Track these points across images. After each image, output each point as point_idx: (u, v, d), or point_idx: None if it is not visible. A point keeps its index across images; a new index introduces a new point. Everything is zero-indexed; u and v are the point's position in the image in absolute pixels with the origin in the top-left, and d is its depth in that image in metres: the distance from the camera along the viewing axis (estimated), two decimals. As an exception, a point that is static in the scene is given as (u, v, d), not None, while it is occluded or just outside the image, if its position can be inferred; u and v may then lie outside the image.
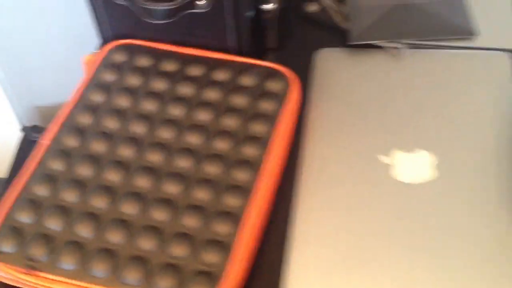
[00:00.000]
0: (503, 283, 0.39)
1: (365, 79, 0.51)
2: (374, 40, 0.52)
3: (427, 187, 0.44)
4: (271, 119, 0.47)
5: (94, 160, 0.45)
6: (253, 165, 0.45)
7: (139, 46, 0.52)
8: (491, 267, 0.39)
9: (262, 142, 0.46)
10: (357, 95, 0.50)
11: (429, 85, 0.50)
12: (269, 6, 0.52)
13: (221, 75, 0.50)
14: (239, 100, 0.48)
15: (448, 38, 0.52)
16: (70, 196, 0.43)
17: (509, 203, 0.42)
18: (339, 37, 0.54)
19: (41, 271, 0.40)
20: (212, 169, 0.45)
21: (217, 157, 0.45)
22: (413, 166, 0.45)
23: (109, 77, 0.51)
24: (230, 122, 0.47)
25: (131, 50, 0.52)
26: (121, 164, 0.45)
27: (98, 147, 0.46)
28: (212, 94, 0.49)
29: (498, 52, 0.51)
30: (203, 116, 0.48)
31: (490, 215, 0.42)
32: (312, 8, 0.58)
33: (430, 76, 0.50)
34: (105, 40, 0.54)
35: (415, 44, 0.52)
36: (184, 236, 0.41)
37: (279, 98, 0.48)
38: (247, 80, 0.50)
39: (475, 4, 0.53)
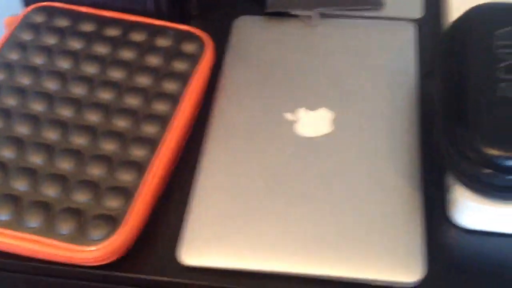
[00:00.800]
0: (392, 229, 0.41)
1: (278, 45, 0.53)
2: (287, 9, 0.55)
3: (325, 140, 0.46)
4: (183, 78, 0.49)
5: (5, 113, 0.46)
6: (163, 120, 0.46)
7: (58, 8, 0.53)
8: (381, 215, 0.42)
9: (173, 98, 0.47)
10: (269, 60, 0.52)
11: (337, 51, 0.52)
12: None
13: (137, 36, 0.51)
14: (153, 60, 0.50)
15: (358, 8, 0.55)
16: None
17: (396, 154, 0.45)
18: (259, 7, 0.56)
19: None
20: (121, 122, 0.46)
21: (128, 111, 0.47)
22: (314, 122, 0.47)
23: (26, 36, 0.51)
24: (143, 79, 0.49)
25: (50, 12, 0.53)
26: (31, 117, 0.46)
27: (10, 101, 0.47)
28: (126, 54, 0.50)
29: (403, 21, 0.54)
30: (116, 73, 0.49)
31: (378, 165, 0.44)
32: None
33: (339, 43, 0.53)
34: (27, 4, 0.55)
35: (327, 13, 0.55)
36: (88, 183, 0.42)
37: (193, 59, 0.50)
38: (162, 42, 0.51)
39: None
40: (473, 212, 0.40)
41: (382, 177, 0.44)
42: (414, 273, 0.39)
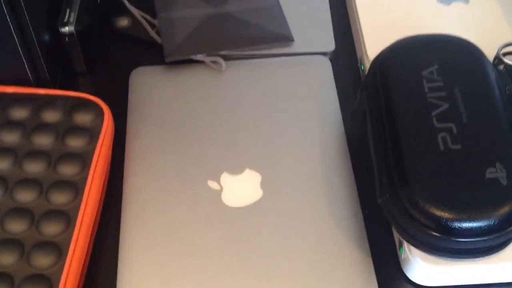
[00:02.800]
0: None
1: (185, 98, 0.47)
2: (189, 55, 0.49)
3: (257, 208, 0.41)
4: (82, 158, 0.42)
5: None
6: (67, 216, 0.39)
7: None
8: (319, 279, 0.38)
9: (75, 187, 0.40)
10: (179, 117, 0.46)
11: (254, 98, 0.47)
12: (66, 29, 0.46)
13: (19, 113, 0.43)
14: (43, 141, 0.42)
15: (267, 47, 0.50)
16: None
17: (337, 214, 0.41)
18: (158, 54, 0.50)
19: None
20: (16, 227, 0.38)
21: (22, 212, 0.39)
22: (242, 188, 0.42)
23: None
24: (34, 168, 0.41)
25: None
26: None
27: None
28: (9, 137, 0.42)
29: (317, 56, 0.50)
30: (0, 164, 0.41)
31: (319, 229, 0.40)
32: (123, 23, 0.53)
33: (253, 88, 0.48)
34: None
35: (234, 55, 0.50)
36: None
37: (90, 132, 0.43)
38: (50, 116, 0.43)
39: (288, 9, 0.52)
40: (426, 270, 0.38)
41: (325, 243, 0.40)
42: None
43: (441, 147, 0.36)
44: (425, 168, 0.36)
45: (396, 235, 0.40)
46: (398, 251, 0.40)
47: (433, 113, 0.38)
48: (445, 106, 0.38)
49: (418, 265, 0.37)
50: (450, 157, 0.36)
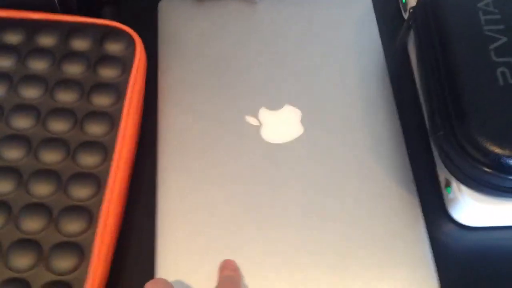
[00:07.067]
0: (375, 233, 0.36)
1: (219, 31, 0.45)
2: (223, -15, 0.46)
3: (298, 145, 0.40)
4: (116, 89, 0.40)
5: None
6: (104, 148, 0.37)
7: None
8: (365, 217, 0.37)
9: (110, 118, 0.38)
10: (213, 51, 0.44)
11: (288, 32, 0.45)
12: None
13: (46, 41, 0.41)
14: (73, 70, 0.40)
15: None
16: None
17: (380, 152, 0.39)
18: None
19: None
20: (51, 158, 0.37)
21: (56, 143, 0.37)
22: (282, 124, 0.40)
23: None
24: (66, 97, 0.39)
25: None
26: None
27: None
28: (38, 65, 0.40)
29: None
30: (30, 93, 0.39)
31: (364, 168, 0.39)
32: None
33: (288, 22, 0.46)
34: None
35: (268, -14, 0.47)
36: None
37: (122, 62, 0.41)
38: (80, 44, 0.41)
39: None
40: (476, 210, 0.37)
41: (371, 183, 0.38)
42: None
43: (501, 82, 0.35)
44: (484, 103, 0.34)
45: (442, 174, 0.39)
46: (443, 190, 0.39)
47: (491, 47, 0.36)
48: (504, 39, 0.36)
49: (468, 204, 0.36)
50: (510, 93, 0.34)
